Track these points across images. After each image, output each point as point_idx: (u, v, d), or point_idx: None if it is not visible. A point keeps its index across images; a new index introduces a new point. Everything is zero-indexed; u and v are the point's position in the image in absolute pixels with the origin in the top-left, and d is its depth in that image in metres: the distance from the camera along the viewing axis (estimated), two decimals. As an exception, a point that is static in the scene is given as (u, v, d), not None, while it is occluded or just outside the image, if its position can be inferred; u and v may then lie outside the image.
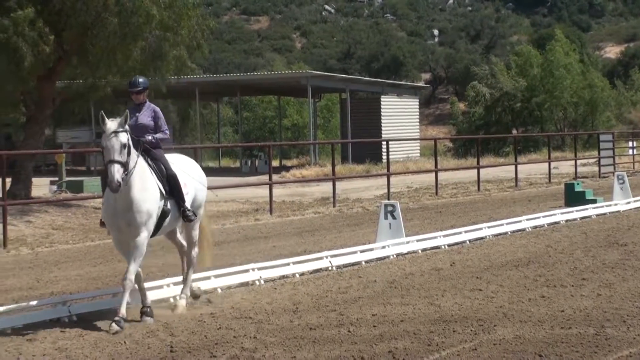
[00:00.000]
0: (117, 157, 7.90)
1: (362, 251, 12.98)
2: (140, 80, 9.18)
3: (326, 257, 12.21)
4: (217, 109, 56.09)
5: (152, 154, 8.75)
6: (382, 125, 44.74)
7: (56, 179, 28.07)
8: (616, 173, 23.58)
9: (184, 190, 9.00)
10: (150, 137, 8.79)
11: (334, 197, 23.42)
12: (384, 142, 33.57)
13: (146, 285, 9.59)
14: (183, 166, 9.34)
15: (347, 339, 7.76)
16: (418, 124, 51.95)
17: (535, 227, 16.47)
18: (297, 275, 11.59)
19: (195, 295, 9.48)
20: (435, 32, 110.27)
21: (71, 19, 21.06)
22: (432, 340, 7.58)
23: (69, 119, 39.00)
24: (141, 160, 8.49)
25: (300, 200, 25.27)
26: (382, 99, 46.59)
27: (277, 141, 50.74)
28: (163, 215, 8.63)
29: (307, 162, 41.84)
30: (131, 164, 8.17)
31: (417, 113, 52.00)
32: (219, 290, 10.42)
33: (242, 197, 24.78)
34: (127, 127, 8.14)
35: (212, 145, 51.21)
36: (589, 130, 49.63)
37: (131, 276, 8.14)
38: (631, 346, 7.14)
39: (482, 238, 14.85)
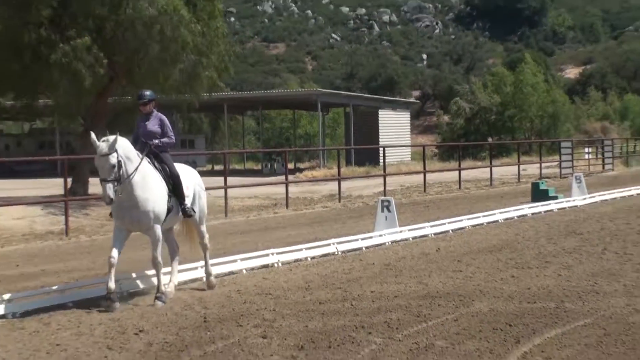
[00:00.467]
0: (107, 177, 8.79)
1: (362, 239, 14.30)
2: (147, 93, 10.09)
3: (333, 243, 13.52)
4: (242, 121, 63.69)
5: (159, 156, 9.62)
6: (380, 134, 49.90)
7: None
8: (574, 174, 25.77)
9: (186, 191, 9.92)
10: (157, 141, 9.66)
11: (339, 194, 25.76)
12: (381, 148, 37.47)
13: (180, 267, 10.77)
14: (185, 173, 10.22)
15: (350, 312, 8.77)
16: (409, 133, 58.67)
17: (507, 219, 18.28)
18: (309, 259, 12.74)
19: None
20: (424, 56, 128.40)
21: (121, 45, 23.98)
22: (421, 312, 8.61)
23: (119, 129, 42.61)
24: (145, 162, 9.35)
25: (311, 197, 27.38)
26: (379, 113, 52.37)
27: (292, 147, 58.42)
28: (167, 211, 9.55)
29: (317, 165, 46.98)
30: (131, 168, 9.03)
31: (409, 124, 58.56)
32: (244, 271, 11.64)
33: (263, 194, 26.77)
34: (116, 147, 8.82)
35: (238, 151, 57.67)
36: (552, 138, 55.73)
37: (158, 259, 9.24)
38: (586, 318, 8.17)
39: (462, 228, 16.54)
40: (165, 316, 8.82)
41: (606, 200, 22.81)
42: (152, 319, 8.59)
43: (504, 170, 36.14)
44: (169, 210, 9.55)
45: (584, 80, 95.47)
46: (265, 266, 12.05)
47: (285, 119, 68.42)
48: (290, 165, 40.46)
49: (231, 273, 11.51)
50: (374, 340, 7.62)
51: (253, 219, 21.61)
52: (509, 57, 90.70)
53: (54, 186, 24.48)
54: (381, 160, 33.24)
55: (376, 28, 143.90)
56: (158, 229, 9.34)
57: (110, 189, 8.70)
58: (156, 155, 9.65)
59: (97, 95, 25.44)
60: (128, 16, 23.19)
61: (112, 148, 8.82)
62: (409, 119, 59.25)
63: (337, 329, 7.98)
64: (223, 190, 22.17)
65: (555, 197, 22.33)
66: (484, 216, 17.78)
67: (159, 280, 9.29)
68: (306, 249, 12.99)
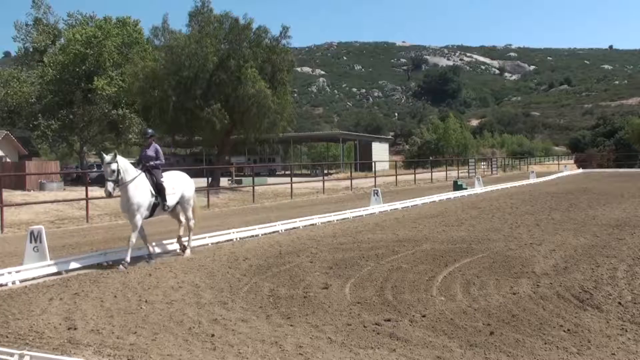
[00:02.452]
0: (109, 177, 11.41)
1: (363, 210, 20.81)
2: (149, 131, 12.93)
3: (348, 212, 19.85)
4: (300, 148, 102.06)
5: (152, 172, 12.16)
6: (372, 155, 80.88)
7: (229, 178, 47.06)
8: (476, 176, 37.98)
9: (172, 192, 12.50)
10: (152, 163, 12.30)
11: (351, 186, 38.70)
12: (373, 162, 54.05)
13: (218, 232, 15.16)
14: (177, 177, 12.99)
15: (356, 249, 13.07)
16: (388, 154, 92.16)
17: (440, 199, 26.30)
18: (335, 221, 18.67)
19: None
20: (396, 114, 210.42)
21: (236, 108, 36.80)
22: (394, 249, 12.75)
23: (236, 152, 68.20)
24: (142, 175, 11.92)
25: (336, 188, 38.55)
26: (372, 144, 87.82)
27: (325, 162, 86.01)
28: (155, 206, 12.11)
29: (339, 171, 71.15)
30: (128, 177, 11.61)
31: (387, 150, 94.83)
32: (300, 227, 17.13)
33: (310, 186, 38.51)
34: (116, 159, 11.50)
35: (298, 164, 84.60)
36: (463, 157, 78.83)
37: (133, 239, 11.76)
38: (483, 253, 12.05)
39: (416, 204, 23.77)
40: (260, 250, 13.13)
41: (493, 190, 32.40)
42: (251, 252, 12.78)
43: (438, 174, 53.51)
44: (155, 206, 12.10)
45: (480, 127, 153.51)
46: (312, 224, 17.96)
47: (322, 146, 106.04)
48: (325, 171, 58.04)
49: (294, 229, 17.00)
50: (369, 264, 11.06)
51: (305, 199, 31.61)
52: (440, 115, 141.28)
53: (202, 182, 33.10)
54: (373, 169, 50.62)
55: (370, 99, 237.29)
56: (138, 218, 11.72)
57: (110, 185, 11.31)
58: (149, 171, 12.11)
59: (224, 134, 39.92)
60: (240, 93, 35.20)
61: (114, 159, 11.48)
62: (388, 147, 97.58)
63: (350, 258, 11.76)
64: (289, 184, 34.98)
65: (466, 189, 31.88)
66: (427, 198, 26.08)
67: (127, 253, 11.69)
68: (334, 215, 19.26)
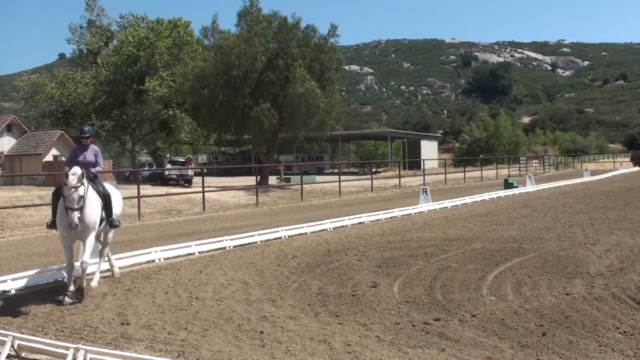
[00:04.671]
0: (75, 206, 8.80)
1: (412, 209, 20.60)
2: (86, 129, 10.10)
3: (396, 211, 19.78)
4: (348, 146, 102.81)
5: (95, 180, 9.80)
6: (421, 153, 78.69)
7: (278, 176, 46.88)
8: (528, 174, 37.59)
9: (115, 204, 10.22)
10: (94, 171, 9.91)
11: (399, 184, 38.21)
12: (422, 160, 57.45)
13: (267, 230, 15.77)
14: (111, 188, 10.51)
15: (404, 247, 13.02)
16: (437, 152, 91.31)
17: (491, 198, 25.82)
18: (384, 219, 18.61)
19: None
20: (445, 112, 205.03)
21: (285, 107, 37.24)
22: (443, 248, 12.61)
23: (285, 150, 68.67)
24: (90, 187, 9.37)
25: (384, 186, 37.94)
26: (421, 142, 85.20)
27: (374, 160, 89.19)
28: (101, 221, 9.65)
29: (387, 169, 68.83)
30: (82, 191, 8.96)
31: (436, 147, 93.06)
32: (349, 225, 17.24)
33: (359, 185, 38.11)
34: (83, 180, 8.93)
35: (346, 162, 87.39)
36: (515, 155, 79.32)
37: (87, 260, 9.23)
38: (534, 252, 11.85)
39: (466, 203, 23.40)
40: (308, 248, 13.28)
41: (545, 188, 31.64)
42: (300, 250, 12.95)
43: (488, 172, 52.57)
44: (102, 221, 9.70)
45: (532, 124, 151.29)
46: (360, 223, 17.97)
47: (371, 145, 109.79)
48: (373, 169, 57.75)
49: (342, 227, 17.08)
50: (418, 263, 11.03)
51: (354, 197, 31.33)
52: (491, 112, 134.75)
53: (250, 180, 35.30)
54: (422, 167, 50.89)
55: (419, 97, 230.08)
56: (93, 237, 9.39)
57: (76, 217, 8.77)
58: (92, 180, 9.75)
59: (272, 133, 40.20)
60: (289, 92, 35.55)
61: (80, 181, 8.98)
62: (437, 145, 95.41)
63: (398, 257, 11.70)
64: (338, 182, 34.69)
65: (517, 187, 31.10)
66: (477, 196, 25.54)
67: (80, 278, 9.34)
68: (382, 213, 19.25)
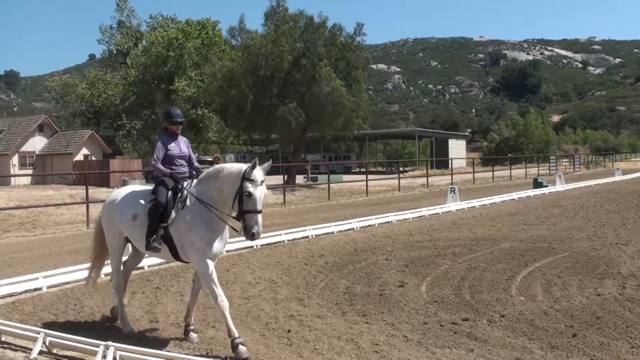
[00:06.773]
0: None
1: (440, 208, 20.53)
2: (178, 111, 7.72)
3: (424, 210, 19.75)
4: (375, 146, 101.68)
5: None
6: (449, 152, 78.03)
7: (305, 175, 47.80)
8: (558, 173, 36.84)
9: None
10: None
11: (427, 184, 37.73)
12: (450, 160, 54.10)
13: (294, 229, 15.94)
14: None
15: (432, 247, 13.06)
16: (465, 151, 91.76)
17: (520, 197, 25.42)
18: (411, 218, 18.58)
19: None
20: (473, 110, 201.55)
21: (312, 106, 37.22)
22: (472, 248, 12.60)
23: (312, 149, 68.49)
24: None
25: (411, 185, 37.89)
26: (449, 141, 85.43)
27: (401, 159, 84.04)
28: None
29: (414, 169, 68.30)
30: None
31: (464, 146, 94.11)
32: (376, 225, 17.23)
33: (386, 184, 38.05)
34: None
35: (373, 161, 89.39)
36: (544, 154, 77.30)
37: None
38: (565, 252, 11.75)
39: (494, 202, 23.16)
40: (335, 247, 13.32)
41: (576, 187, 31.15)
42: (327, 249, 13.00)
43: (517, 172, 51.76)
44: None
45: (562, 122, 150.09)
46: (388, 222, 17.93)
47: (398, 144, 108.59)
48: (400, 169, 59.37)
49: (369, 226, 17.10)
50: (446, 262, 11.10)
51: (381, 196, 31.26)
52: (520, 111, 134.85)
53: (278, 179, 34.77)
54: (449, 166, 49.59)
55: (447, 96, 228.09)
56: None
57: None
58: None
59: (299, 132, 40.39)
60: (315, 92, 35.85)
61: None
62: (465, 144, 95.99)
63: (426, 256, 11.74)
64: (365, 181, 34.99)
65: (546, 186, 30.74)
66: (506, 195, 25.36)
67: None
68: (409, 213, 19.19)
